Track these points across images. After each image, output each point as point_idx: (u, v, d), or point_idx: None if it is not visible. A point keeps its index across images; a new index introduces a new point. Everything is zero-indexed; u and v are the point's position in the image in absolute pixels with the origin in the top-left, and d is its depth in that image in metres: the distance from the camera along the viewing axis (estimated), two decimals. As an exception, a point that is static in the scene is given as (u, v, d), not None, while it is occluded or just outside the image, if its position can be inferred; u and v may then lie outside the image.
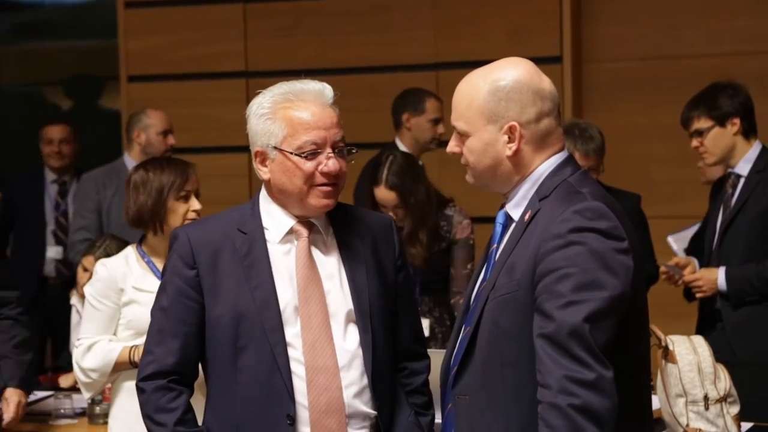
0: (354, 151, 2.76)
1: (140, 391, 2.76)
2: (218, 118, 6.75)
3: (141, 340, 3.63)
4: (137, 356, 3.61)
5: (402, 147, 5.47)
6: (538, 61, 2.53)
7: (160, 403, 2.72)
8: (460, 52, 6.31)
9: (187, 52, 6.88)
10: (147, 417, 2.75)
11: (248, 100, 7.52)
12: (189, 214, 3.67)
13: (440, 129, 5.57)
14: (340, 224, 2.81)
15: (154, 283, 3.63)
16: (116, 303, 3.70)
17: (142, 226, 3.72)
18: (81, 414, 4.24)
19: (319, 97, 2.71)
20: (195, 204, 3.70)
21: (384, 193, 4.60)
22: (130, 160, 5.78)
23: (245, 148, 7.58)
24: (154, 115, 5.87)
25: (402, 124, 5.63)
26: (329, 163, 2.68)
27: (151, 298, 3.59)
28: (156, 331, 2.77)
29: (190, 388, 2.79)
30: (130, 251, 3.78)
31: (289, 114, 2.69)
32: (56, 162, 6.44)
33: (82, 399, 4.22)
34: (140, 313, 3.65)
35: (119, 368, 3.67)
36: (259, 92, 2.79)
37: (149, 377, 2.75)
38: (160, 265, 3.71)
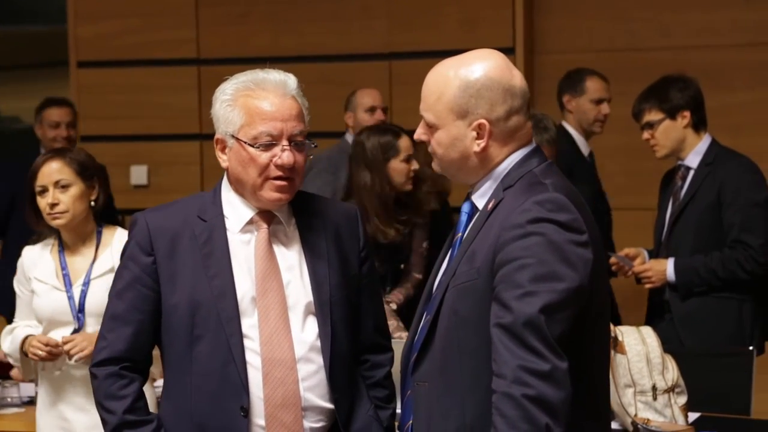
0: (314, 145, 2.72)
1: (93, 376, 2.73)
2: (169, 105, 6.70)
3: (39, 330, 3.71)
4: (28, 346, 3.66)
5: (570, 130, 5.40)
6: (491, 52, 2.51)
7: (110, 390, 2.69)
8: (413, 42, 6.31)
9: (138, 38, 6.82)
10: (98, 403, 2.73)
11: (200, 88, 7.45)
12: (46, 209, 3.63)
13: (604, 109, 5.41)
14: (303, 215, 2.78)
15: (52, 275, 3.68)
16: (29, 290, 3.74)
17: (31, 223, 3.72)
18: (28, 402, 4.20)
19: (281, 87, 2.67)
20: (48, 198, 3.62)
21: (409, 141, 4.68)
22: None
23: (197, 136, 7.59)
24: (362, 94, 5.70)
25: (564, 107, 5.48)
26: (284, 155, 2.64)
27: (45, 289, 3.67)
28: (109, 317, 2.74)
29: (143, 376, 2.76)
30: (51, 241, 3.78)
31: (248, 103, 2.66)
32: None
33: (30, 388, 4.19)
34: (37, 303, 3.70)
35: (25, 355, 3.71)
36: (226, 78, 2.75)
37: (101, 363, 2.72)
38: (69, 259, 3.73)
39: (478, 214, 2.45)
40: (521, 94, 2.42)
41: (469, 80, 2.39)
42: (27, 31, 7.61)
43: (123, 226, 6.57)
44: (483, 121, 2.39)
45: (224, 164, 2.73)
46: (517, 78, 2.42)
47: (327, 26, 6.54)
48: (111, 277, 3.61)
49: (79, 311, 3.66)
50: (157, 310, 2.71)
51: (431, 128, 2.45)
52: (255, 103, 2.65)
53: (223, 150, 2.73)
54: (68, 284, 3.68)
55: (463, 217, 2.50)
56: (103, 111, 6.84)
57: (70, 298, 3.67)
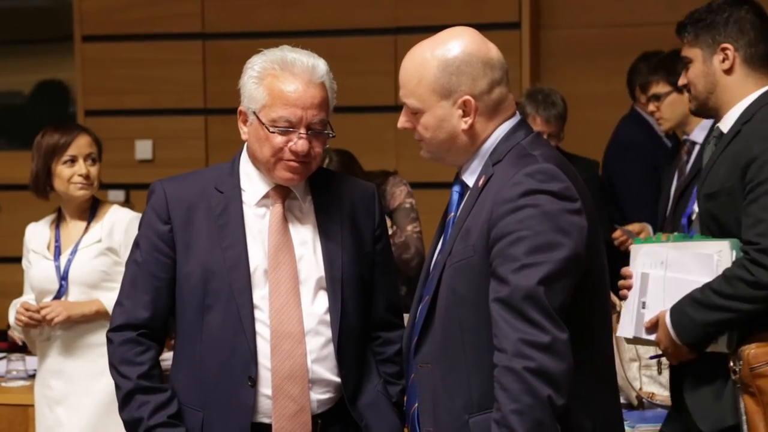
0: (332, 135, 2.72)
1: (109, 341, 2.76)
2: (174, 79, 6.69)
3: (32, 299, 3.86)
4: (15, 314, 3.81)
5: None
6: (497, 26, 2.52)
7: (127, 355, 2.72)
8: (419, 17, 6.28)
9: (143, 13, 6.80)
10: (113, 367, 2.75)
11: (205, 62, 7.44)
12: (74, 179, 3.79)
13: None
14: (320, 191, 2.79)
15: (44, 246, 3.86)
16: (29, 262, 3.91)
17: (37, 191, 3.87)
18: (34, 376, 4.22)
19: (308, 72, 2.66)
20: (81, 168, 3.78)
21: None
22: None
23: (201, 111, 7.56)
24: None
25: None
26: (299, 143, 2.65)
27: (36, 259, 3.85)
28: (128, 284, 2.77)
29: (160, 344, 2.79)
30: (52, 216, 3.95)
31: (273, 84, 2.65)
32: None
33: (36, 361, 4.21)
34: (30, 273, 3.89)
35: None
36: (261, 50, 2.74)
37: (118, 328, 2.74)
38: (64, 232, 3.88)
39: (469, 191, 2.46)
40: (499, 65, 2.43)
41: (447, 58, 2.40)
42: (31, 5, 7.59)
43: (128, 200, 6.66)
44: (467, 97, 2.40)
45: (244, 136, 2.75)
46: (493, 50, 2.44)
47: (333, 1, 6.52)
48: (96, 247, 3.77)
49: (63, 278, 3.79)
50: (174, 278, 2.73)
51: (415, 114, 2.46)
52: (279, 86, 2.65)
53: (244, 122, 2.74)
54: (57, 254, 3.82)
55: (454, 197, 2.51)
56: (108, 85, 6.83)
57: (57, 267, 3.80)
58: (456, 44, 2.41)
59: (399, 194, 4.76)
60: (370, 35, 6.45)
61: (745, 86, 3.05)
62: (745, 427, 2.83)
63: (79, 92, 6.94)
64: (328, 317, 2.73)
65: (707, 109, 3.13)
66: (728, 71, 3.07)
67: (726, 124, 3.07)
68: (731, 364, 2.85)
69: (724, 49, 3.07)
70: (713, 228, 2.99)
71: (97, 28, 6.88)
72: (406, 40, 6.34)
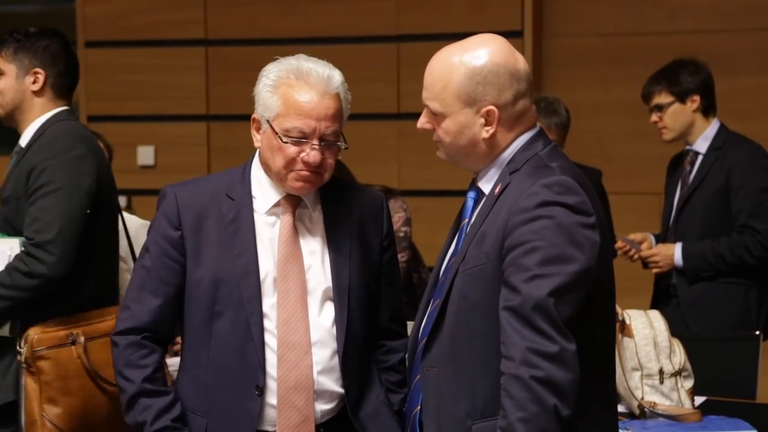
0: (345, 146, 2.71)
1: (113, 344, 2.75)
2: (177, 86, 6.70)
3: None
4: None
5: None
6: (499, 35, 2.52)
7: (131, 358, 2.71)
8: (421, 25, 6.30)
9: (146, 19, 6.82)
10: (117, 371, 2.74)
11: (207, 69, 7.44)
12: None
13: None
14: (330, 200, 2.79)
15: None
16: None
17: None
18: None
19: (323, 83, 2.64)
20: None
21: None
22: None
23: (204, 117, 7.56)
24: None
25: None
26: (311, 154, 2.64)
27: None
28: (136, 288, 2.75)
29: (164, 348, 2.78)
30: None
31: (288, 93, 2.64)
32: None
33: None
34: None
35: None
36: (276, 58, 2.73)
37: (124, 332, 2.73)
38: None
39: (484, 198, 2.45)
40: (525, 77, 2.43)
41: (475, 67, 2.39)
42: (35, 11, 7.60)
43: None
44: (491, 107, 2.40)
45: (257, 144, 2.74)
46: (520, 62, 2.43)
47: (335, 8, 6.53)
48: None
49: None
50: (184, 283, 2.72)
51: (437, 117, 2.45)
52: (294, 96, 2.63)
53: (257, 130, 2.73)
54: None
55: (469, 203, 2.51)
56: (111, 91, 6.84)
57: None
58: (484, 53, 2.40)
59: (397, 221, 4.74)
60: (372, 43, 6.46)
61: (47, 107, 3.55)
62: (23, 402, 3.30)
63: (81, 98, 6.95)
64: (334, 329, 2.72)
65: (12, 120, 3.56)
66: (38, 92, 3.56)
67: (24, 139, 3.52)
68: (18, 346, 3.30)
69: (35, 73, 3.57)
70: (8, 228, 3.43)
71: (100, 34, 6.89)
72: (408, 47, 6.38)
